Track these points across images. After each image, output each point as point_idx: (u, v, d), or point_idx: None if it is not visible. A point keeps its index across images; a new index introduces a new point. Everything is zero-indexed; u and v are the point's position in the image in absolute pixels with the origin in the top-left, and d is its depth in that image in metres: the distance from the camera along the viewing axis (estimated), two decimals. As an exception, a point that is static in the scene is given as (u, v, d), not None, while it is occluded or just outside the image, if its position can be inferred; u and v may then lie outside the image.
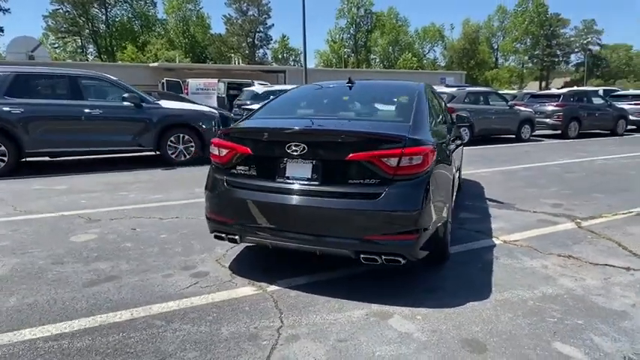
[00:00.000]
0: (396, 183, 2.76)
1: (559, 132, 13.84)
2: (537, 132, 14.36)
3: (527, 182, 7.06)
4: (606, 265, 3.56)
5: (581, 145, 12.33)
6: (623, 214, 5.09)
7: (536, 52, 69.71)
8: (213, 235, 3.31)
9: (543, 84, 68.49)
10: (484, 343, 2.43)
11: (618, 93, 18.56)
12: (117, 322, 2.63)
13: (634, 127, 16.15)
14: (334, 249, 2.89)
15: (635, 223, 4.71)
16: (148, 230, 4.42)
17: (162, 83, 19.23)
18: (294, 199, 2.90)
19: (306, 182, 2.91)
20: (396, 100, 3.84)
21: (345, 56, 66.50)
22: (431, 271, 3.41)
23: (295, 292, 3.01)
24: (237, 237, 3.14)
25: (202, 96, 18.04)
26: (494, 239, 4.18)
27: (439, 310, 2.79)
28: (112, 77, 8.34)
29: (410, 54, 63.13)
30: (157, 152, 8.47)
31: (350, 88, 3.97)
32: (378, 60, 68.48)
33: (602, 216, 4.99)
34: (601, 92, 18.24)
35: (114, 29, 60.58)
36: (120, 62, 48.70)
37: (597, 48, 70.87)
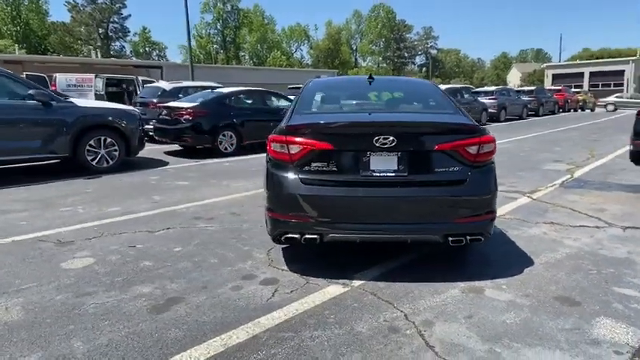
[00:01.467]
0: (475, 170, 3.03)
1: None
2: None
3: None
4: (582, 226, 4.40)
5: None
6: (551, 186, 6.24)
7: (388, 54, 77.38)
8: (281, 237, 3.13)
9: (395, 82, 76.49)
10: (570, 297, 2.87)
11: (475, 90, 22.01)
12: (240, 342, 2.36)
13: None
14: (425, 235, 3.04)
15: (566, 193, 5.83)
16: (152, 245, 3.90)
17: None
18: (384, 192, 2.96)
19: (393, 174, 2.98)
20: (426, 93, 4.09)
21: (214, 52, 64.39)
22: (460, 250, 3.70)
23: (382, 283, 3.07)
24: (316, 236, 3.03)
25: (75, 93, 15.68)
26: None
27: (511, 278, 3.16)
28: (8, 70, 6.84)
29: (279, 52, 64.12)
30: (72, 158, 7.22)
31: (370, 83, 4.08)
32: (247, 57, 67.93)
33: (538, 190, 6.05)
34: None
35: None
36: None
37: (435, 52, 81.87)
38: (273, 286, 3.04)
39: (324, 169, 3.03)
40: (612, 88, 34.36)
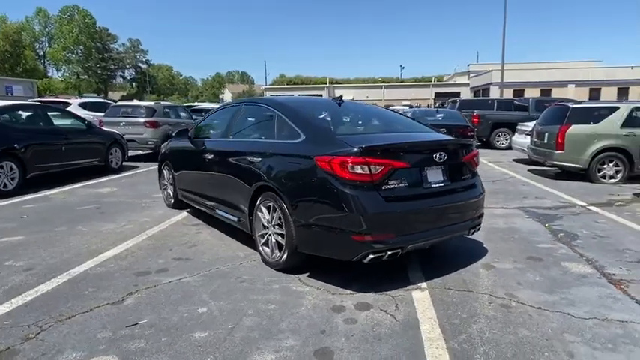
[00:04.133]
0: (476, 176, 3.91)
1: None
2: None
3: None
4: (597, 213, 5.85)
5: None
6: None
7: (89, 64, 69.12)
8: (365, 258, 3.12)
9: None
10: None
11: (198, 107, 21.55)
12: None
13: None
14: (461, 232, 3.67)
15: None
16: (185, 287, 2.94)
17: None
18: (440, 200, 3.43)
19: (442, 184, 3.48)
20: (394, 115, 4.61)
21: None
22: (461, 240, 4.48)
23: (445, 289, 3.40)
24: (399, 250, 3.20)
25: None
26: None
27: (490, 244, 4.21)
28: None
29: None
30: None
31: (340, 106, 4.32)
32: None
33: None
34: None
35: None
36: None
37: (146, 66, 78.94)
38: (372, 312, 3.02)
39: (399, 185, 3.25)
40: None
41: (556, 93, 28.23)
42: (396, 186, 3.24)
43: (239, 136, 4.62)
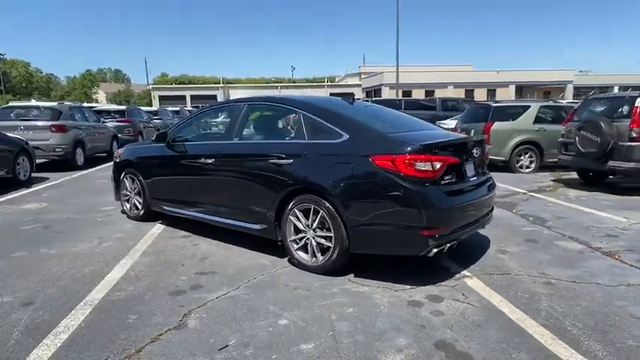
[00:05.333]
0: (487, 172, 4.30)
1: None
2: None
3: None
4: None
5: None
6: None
7: None
8: (430, 253, 3.24)
9: None
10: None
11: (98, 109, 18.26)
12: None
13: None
14: (487, 223, 3.99)
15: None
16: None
17: None
18: (478, 192, 3.70)
19: (475, 178, 3.76)
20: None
21: None
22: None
23: (488, 275, 3.67)
24: (454, 242, 3.40)
25: None
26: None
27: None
28: None
29: None
30: None
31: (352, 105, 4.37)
32: None
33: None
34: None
35: None
36: None
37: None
38: (445, 302, 3.16)
39: (451, 180, 3.44)
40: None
41: (438, 93, 31.44)
42: (450, 181, 3.43)
43: (250, 138, 4.37)
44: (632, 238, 4.62)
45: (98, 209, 6.20)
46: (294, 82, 53.79)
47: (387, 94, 34.88)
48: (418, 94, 33.80)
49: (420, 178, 3.22)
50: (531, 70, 38.81)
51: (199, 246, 4.49)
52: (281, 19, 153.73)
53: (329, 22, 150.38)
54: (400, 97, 27.68)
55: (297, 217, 3.71)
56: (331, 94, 45.68)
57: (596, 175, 7.82)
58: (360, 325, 2.79)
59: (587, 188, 7.46)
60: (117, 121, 14.72)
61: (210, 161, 4.35)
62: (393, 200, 3.24)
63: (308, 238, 3.68)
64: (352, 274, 3.62)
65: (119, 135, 13.61)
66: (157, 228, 5.17)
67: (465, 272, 3.67)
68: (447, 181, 3.41)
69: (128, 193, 5.55)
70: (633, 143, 6.52)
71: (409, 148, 3.25)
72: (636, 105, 6.58)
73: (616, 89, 35.55)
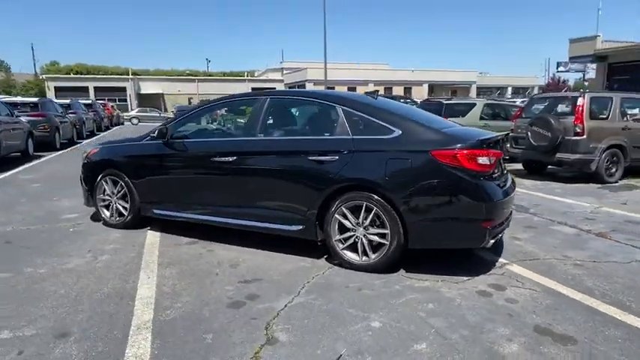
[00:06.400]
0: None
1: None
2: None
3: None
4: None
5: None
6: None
7: None
8: (490, 243, 3.37)
9: None
10: None
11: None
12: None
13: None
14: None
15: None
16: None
17: None
18: (511, 188, 3.89)
19: (500, 172, 3.97)
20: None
21: None
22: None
23: (523, 261, 3.96)
24: (501, 234, 3.57)
25: None
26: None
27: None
28: None
29: None
30: None
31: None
32: None
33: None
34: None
35: None
36: None
37: None
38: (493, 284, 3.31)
39: (497, 174, 3.60)
40: (118, 102, 37.64)
41: (360, 90, 32.64)
42: (497, 175, 3.59)
43: (279, 134, 4.11)
44: (607, 220, 5.27)
45: (59, 217, 5.37)
46: (210, 75, 51.68)
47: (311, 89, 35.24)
48: (341, 90, 34.65)
49: (478, 172, 3.33)
50: (442, 70, 42.26)
51: (216, 252, 4.12)
52: (194, 8, 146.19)
53: (246, 16, 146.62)
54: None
55: (345, 216, 3.60)
56: (253, 89, 45.05)
57: (539, 166, 8.74)
58: (453, 320, 2.80)
59: (536, 177, 8.32)
60: (28, 115, 12.82)
61: (230, 159, 4.01)
62: (455, 194, 3.30)
63: (357, 237, 3.59)
64: (403, 270, 3.61)
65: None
66: (153, 235, 4.63)
67: (501, 260, 3.88)
68: (496, 175, 3.57)
69: (108, 197, 4.89)
70: (578, 137, 7.43)
71: (469, 143, 3.33)
72: (578, 104, 7.49)
73: (509, 90, 40.06)
